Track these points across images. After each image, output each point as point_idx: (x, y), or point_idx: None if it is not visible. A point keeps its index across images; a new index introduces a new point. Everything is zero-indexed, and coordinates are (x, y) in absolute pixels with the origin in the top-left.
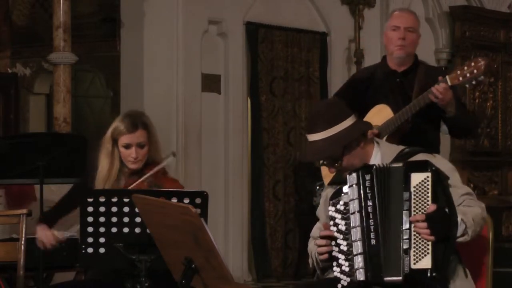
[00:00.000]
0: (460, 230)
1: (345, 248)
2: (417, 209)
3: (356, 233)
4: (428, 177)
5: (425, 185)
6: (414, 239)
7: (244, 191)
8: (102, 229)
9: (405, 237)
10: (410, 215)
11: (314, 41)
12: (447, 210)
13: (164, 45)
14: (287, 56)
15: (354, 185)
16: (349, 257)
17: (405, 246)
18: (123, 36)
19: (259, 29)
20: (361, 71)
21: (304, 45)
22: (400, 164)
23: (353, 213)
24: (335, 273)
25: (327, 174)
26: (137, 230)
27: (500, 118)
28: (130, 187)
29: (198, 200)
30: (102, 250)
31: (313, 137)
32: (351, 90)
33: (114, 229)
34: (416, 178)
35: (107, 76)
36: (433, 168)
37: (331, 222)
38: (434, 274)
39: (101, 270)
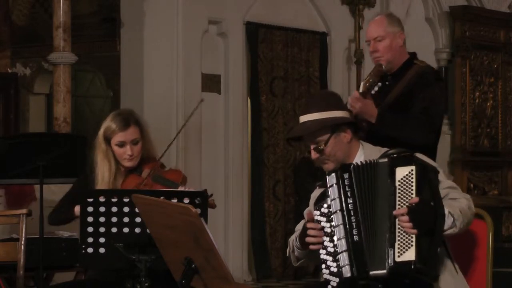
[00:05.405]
0: (448, 223)
1: (331, 250)
2: (401, 203)
3: (339, 232)
4: (412, 170)
5: (410, 178)
6: (399, 232)
7: (244, 191)
8: (102, 229)
9: (390, 231)
10: (394, 209)
11: (314, 41)
12: (432, 203)
13: (164, 45)
14: (287, 56)
15: (334, 185)
16: (336, 257)
17: (390, 240)
18: (123, 36)
19: (259, 29)
20: None
21: (304, 45)
22: (385, 160)
23: (335, 212)
24: (324, 275)
25: None
26: (137, 230)
27: (500, 118)
28: (138, 184)
29: (198, 200)
30: (102, 250)
31: (305, 117)
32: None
33: (114, 229)
34: (401, 172)
35: (107, 76)
36: (418, 161)
37: (318, 226)
38: (418, 266)
39: (101, 270)
